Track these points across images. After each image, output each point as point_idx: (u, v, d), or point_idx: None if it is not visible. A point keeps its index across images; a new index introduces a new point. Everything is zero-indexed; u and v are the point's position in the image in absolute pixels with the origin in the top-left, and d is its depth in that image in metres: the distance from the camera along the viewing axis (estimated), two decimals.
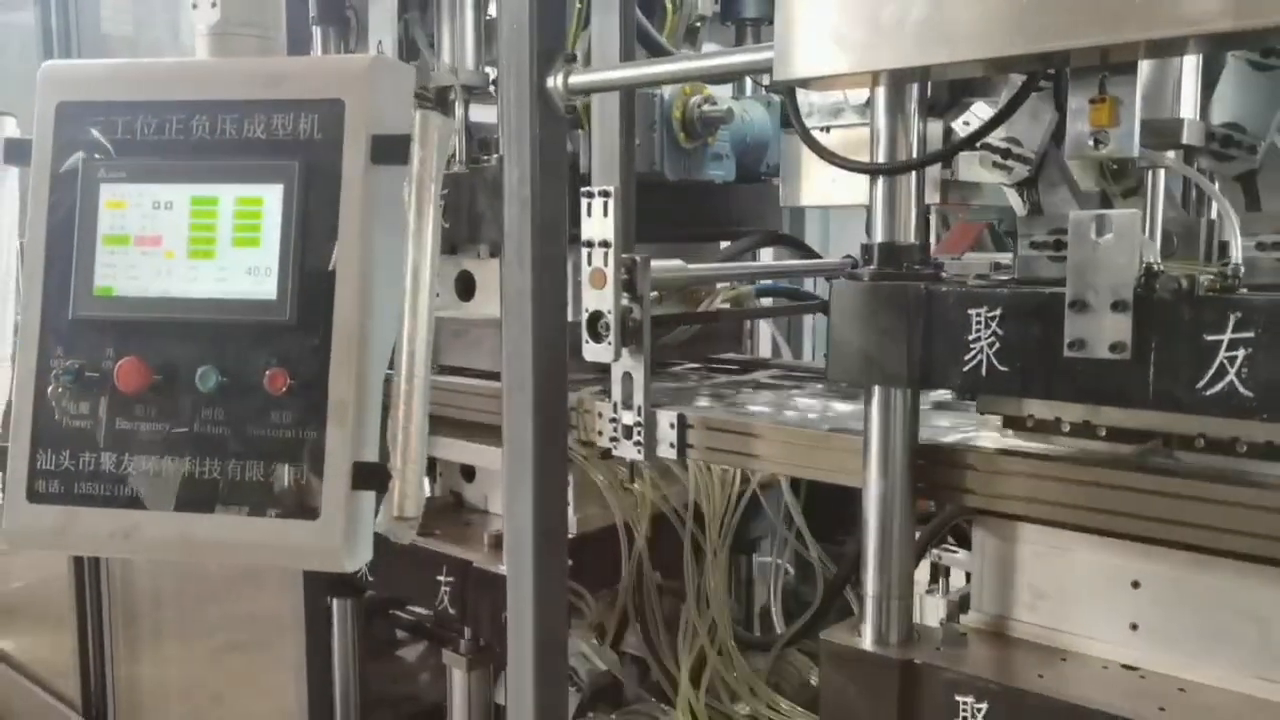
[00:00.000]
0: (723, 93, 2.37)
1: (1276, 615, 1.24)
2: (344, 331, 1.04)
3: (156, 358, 1.09)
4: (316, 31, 2.25)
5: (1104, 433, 1.37)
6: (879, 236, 1.39)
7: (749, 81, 2.58)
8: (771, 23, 2.60)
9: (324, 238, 1.05)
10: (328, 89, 1.06)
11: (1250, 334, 1.10)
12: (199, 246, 1.09)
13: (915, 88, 1.36)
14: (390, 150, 1.06)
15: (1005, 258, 2.70)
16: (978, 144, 1.44)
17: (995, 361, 1.28)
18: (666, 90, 2.05)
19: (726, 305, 2.26)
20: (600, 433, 1.82)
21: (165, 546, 1.08)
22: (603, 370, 1.79)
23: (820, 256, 2.56)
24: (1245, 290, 1.16)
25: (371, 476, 1.04)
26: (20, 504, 1.10)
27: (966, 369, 1.30)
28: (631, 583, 2.15)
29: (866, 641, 1.41)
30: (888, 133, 1.37)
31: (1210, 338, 1.12)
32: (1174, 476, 1.26)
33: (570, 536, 1.98)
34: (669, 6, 2.24)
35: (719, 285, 2.29)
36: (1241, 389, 1.11)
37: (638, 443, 1.77)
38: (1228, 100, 1.32)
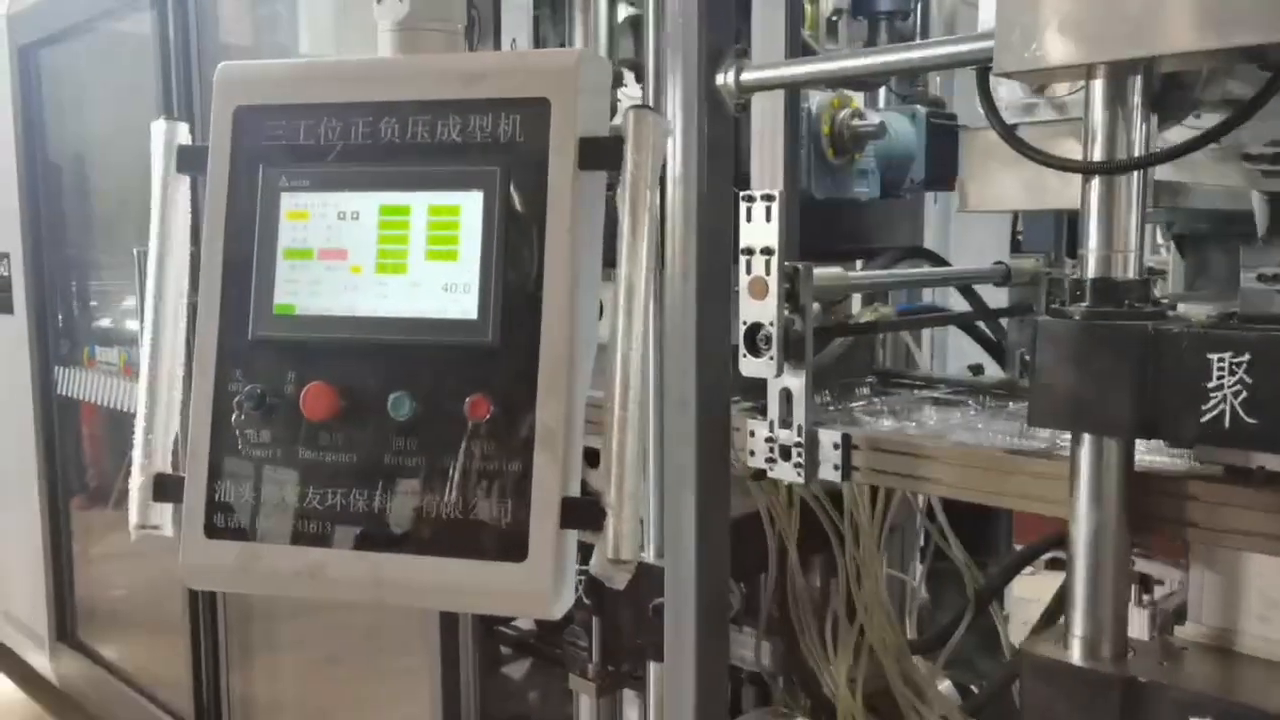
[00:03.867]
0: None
1: None
2: (552, 353, 0.94)
3: (344, 382, 0.99)
4: None
5: None
6: (1093, 250, 1.26)
7: (881, 93, 2.46)
8: (906, 17, 2.48)
9: (529, 251, 0.96)
10: (531, 87, 0.97)
11: None
12: (389, 260, 1.00)
13: (1139, 79, 1.23)
14: (601, 154, 0.95)
15: (1155, 260, 2.52)
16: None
17: (1241, 413, 1.13)
18: (814, 104, 1.93)
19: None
20: (753, 453, 1.72)
21: (354, 587, 0.99)
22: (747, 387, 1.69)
23: None
24: None
25: (583, 513, 0.94)
26: (198, 540, 1.02)
27: (1205, 420, 1.15)
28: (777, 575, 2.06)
29: (1075, 655, 1.28)
30: (1105, 129, 1.24)
31: None
32: None
33: None
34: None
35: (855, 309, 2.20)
36: None
37: (797, 464, 1.66)
38: None
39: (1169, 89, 1.41)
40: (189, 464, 1.02)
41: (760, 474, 1.74)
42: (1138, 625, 1.43)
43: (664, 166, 1.51)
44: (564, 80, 0.96)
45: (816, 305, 1.91)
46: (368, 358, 1.00)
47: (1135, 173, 1.25)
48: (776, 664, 2.24)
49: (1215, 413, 1.14)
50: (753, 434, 1.71)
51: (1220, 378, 1.14)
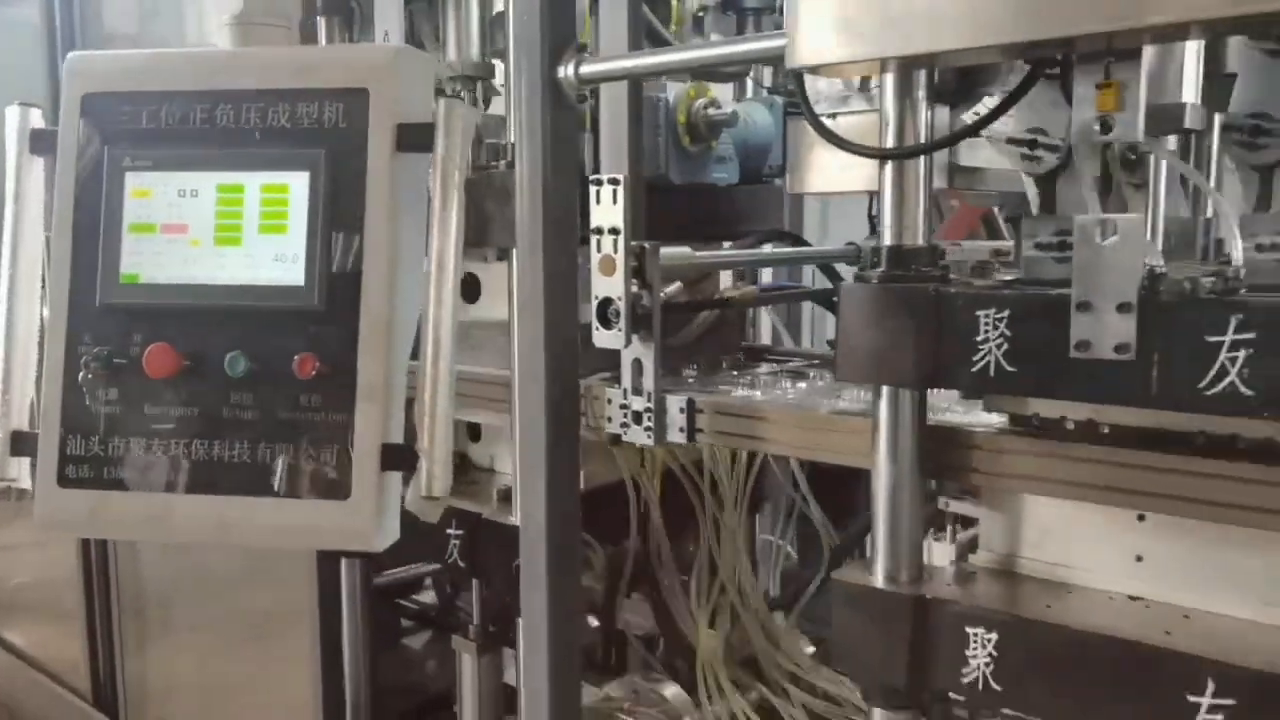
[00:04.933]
0: (724, 95, 2.39)
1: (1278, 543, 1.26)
2: (372, 316, 1.06)
3: (185, 343, 1.10)
4: (321, 22, 2.25)
5: (1107, 430, 1.39)
6: (888, 224, 1.41)
7: (750, 84, 2.60)
8: (774, 12, 2.63)
9: (350, 224, 1.07)
10: (353, 78, 1.08)
11: (1251, 335, 1.12)
12: (225, 234, 1.11)
13: (923, 74, 1.38)
14: (415, 138, 1.07)
15: (1006, 244, 2.72)
16: (988, 135, 1.48)
17: (1003, 362, 1.29)
18: (671, 94, 2.07)
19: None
20: (609, 419, 1.84)
21: (198, 530, 1.10)
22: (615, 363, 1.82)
23: None
24: (1245, 292, 1.18)
25: (400, 457, 1.06)
26: (52, 489, 1.12)
27: (975, 369, 1.31)
28: (639, 541, 2.19)
29: (878, 579, 1.44)
30: (896, 119, 1.39)
31: (1212, 339, 1.14)
32: (1174, 454, 1.29)
33: None
34: None
35: (722, 288, 2.33)
36: (1243, 388, 1.13)
37: (648, 428, 1.79)
38: (1252, 90, 1.34)
39: (959, 79, 1.58)
40: (42, 421, 1.12)
41: (616, 439, 1.87)
42: (942, 556, 1.59)
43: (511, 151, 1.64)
44: (382, 72, 1.08)
45: (679, 284, 2.06)
46: (206, 321, 1.11)
47: (922, 157, 1.40)
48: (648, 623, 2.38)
49: (984, 363, 1.30)
50: (610, 401, 1.84)
51: (986, 332, 1.30)
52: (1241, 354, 1.13)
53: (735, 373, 2.18)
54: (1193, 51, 1.29)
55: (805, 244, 2.56)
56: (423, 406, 1.06)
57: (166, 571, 2.99)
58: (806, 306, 3.13)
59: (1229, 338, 1.13)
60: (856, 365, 1.42)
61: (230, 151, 1.11)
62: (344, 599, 2.47)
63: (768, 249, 2.65)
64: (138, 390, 1.11)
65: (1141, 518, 1.37)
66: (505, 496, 1.95)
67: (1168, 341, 1.17)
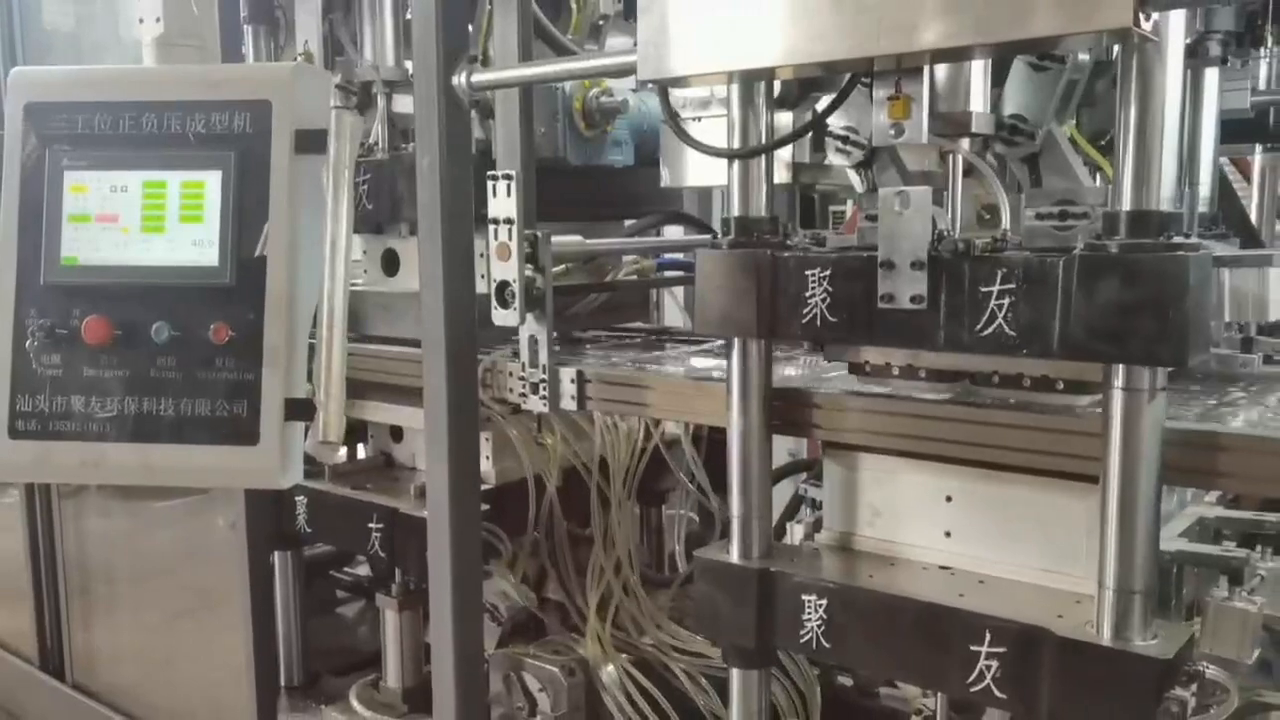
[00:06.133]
0: (626, 85, 2.60)
1: (1054, 519, 1.50)
2: (275, 290, 1.27)
3: (117, 315, 1.31)
4: (248, 30, 2.43)
5: (924, 374, 1.62)
6: (735, 211, 1.63)
7: None
8: None
9: (257, 214, 1.28)
10: (257, 91, 1.30)
11: (1012, 285, 1.33)
12: (151, 223, 1.32)
13: (763, 85, 1.61)
14: (311, 142, 1.29)
15: None
16: (823, 133, 1.72)
17: (827, 314, 1.51)
18: (568, 84, 2.28)
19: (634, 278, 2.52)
20: (511, 390, 2.06)
21: (129, 473, 1.31)
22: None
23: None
24: (1014, 251, 1.41)
25: (300, 409, 1.28)
26: (4, 441, 1.32)
27: (805, 321, 1.53)
28: (544, 529, 2.39)
29: (733, 556, 1.66)
30: (741, 123, 1.60)
31: (984, 289, 1.36)
32: (975, 407, 1.53)
33: (490, 487, 2.22)
34: (574, 6, 2.48)
35: (625, 260, 2.54)
36: (1008, 330, 1.34)
37: (543, 397, 2.01)
38: (1015, 96, 1.59)
39: (807, 89, 1.82)
40: None
41: (517, 408, 2.09)
42: (798, 536, 1.82)
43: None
44: (282, 86, 1.30)
45: (563, 265, 2.26)
46: (135, 297, 1.32)
47: (762, 155, 1.62)
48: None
49: (811, 315, 1.52)
50: (511, 374, 2.06)
51: (813, 288, 1.52)
52: (1006, 301, 1.33)
53: (634, 350, 2.40)
54: (979, 68, 1.53)
55: (702, 223, 2.77)
56: (320, 366, 1.28)
57: (110, 553, 3.16)
58: None
59: (996, 288, 1.34)
60: (710, 319, 1.62)
61: (155, 153, 1.32)
62: (276, 570, 2.66)
63: (674, 231, 2.87)
64: (77, 356, 1.31)
65: (949, 499, 1.59)
66: (422, 493, 2.15)
67: (950, 292, 1.37)
